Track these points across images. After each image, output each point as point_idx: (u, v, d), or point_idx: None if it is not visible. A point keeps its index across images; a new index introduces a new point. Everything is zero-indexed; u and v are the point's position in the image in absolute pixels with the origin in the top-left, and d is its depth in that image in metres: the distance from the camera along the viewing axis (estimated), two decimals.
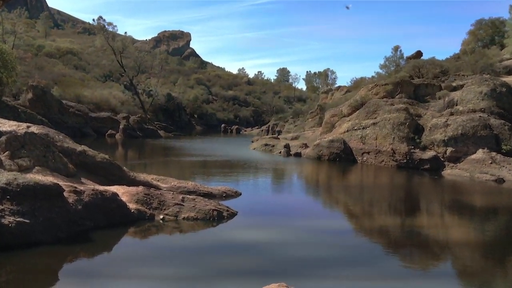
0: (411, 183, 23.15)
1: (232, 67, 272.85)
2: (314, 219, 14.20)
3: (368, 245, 11.54)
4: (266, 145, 38.89)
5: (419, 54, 52.05)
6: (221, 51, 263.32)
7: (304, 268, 9.35)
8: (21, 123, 16.62)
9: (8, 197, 10.04)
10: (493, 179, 23.65)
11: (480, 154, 25.70)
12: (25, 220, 9.88)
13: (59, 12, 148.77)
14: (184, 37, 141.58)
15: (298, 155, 34.51)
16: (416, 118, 29.93)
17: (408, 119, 29.19)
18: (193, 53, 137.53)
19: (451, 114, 28.51)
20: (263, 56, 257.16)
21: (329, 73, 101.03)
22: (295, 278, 8.54)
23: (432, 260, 10.57)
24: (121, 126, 48.71)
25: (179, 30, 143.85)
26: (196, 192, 16.16)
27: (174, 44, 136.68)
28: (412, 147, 28.16)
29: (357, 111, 34.23)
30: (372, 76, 56.22)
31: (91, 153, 15.69)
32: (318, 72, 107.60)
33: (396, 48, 57.94)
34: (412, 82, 34.31)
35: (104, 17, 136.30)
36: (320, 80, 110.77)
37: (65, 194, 11.17)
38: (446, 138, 26.96)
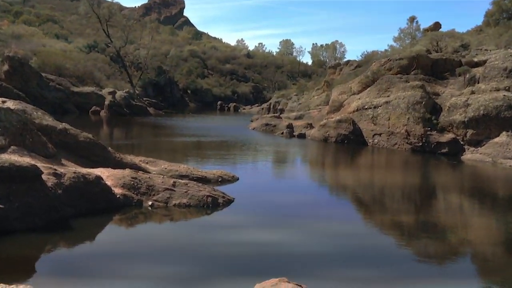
0: (427, 168, 23.10)
1: (230, 38, 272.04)
2: (319, 208, 14.15)
3: (379, 238, 11.49)
4: (266, 124, 38.82)
5: (437, 25, 51.85)
6: (218, 21, 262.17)
7: (307, 265, 9.28)
8: None
9: None
10: None
11: (503, 137, 25.61)
12: None
13: None
14: (177, 4, 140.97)
15: (302, 136, 34.44)
16: (434, 96, 29.82)
17: (424, 98, 29.07)
18: (187, 22, 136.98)
19: (472, 92, 28.36)
20: (264, 27, 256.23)
21: (338, 46, 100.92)
22: (298, 275, 8.47)
23: (449, 254, 10.52)
24: (106, 102, 48.54)
25: None
26: (188, 176, 16.09)
27: (166, 12, 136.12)
28: (429, 128, 28.08)
29: (368, 88, 34.11)
30: (385, 50, 56.07)
31: (73, 132, 15.59)
32: (326, 44, 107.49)
33: (412, 19, 57.74)
34: (429, 57, 34.09)
35: None
36: (328, 54, 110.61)
37: (43, 176, 11.08)
38: (466, 119, 26.86)
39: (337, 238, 11.27)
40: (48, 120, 15.80)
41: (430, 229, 12.36)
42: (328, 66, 68.02)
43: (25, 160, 11.94)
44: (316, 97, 49.32)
